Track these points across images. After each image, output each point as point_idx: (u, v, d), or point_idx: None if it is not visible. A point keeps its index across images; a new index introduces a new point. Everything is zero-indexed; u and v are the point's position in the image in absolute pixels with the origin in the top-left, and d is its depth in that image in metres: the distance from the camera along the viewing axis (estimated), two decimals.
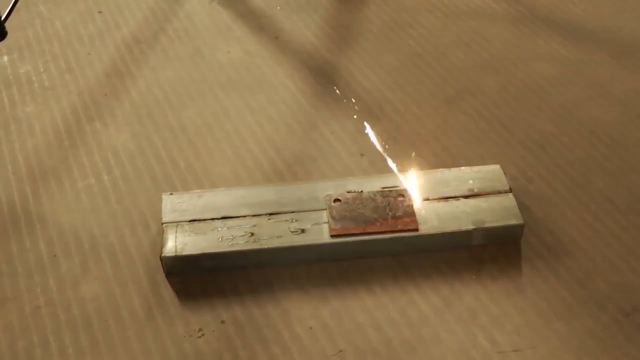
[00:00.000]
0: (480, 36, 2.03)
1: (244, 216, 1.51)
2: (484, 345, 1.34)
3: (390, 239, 1.47)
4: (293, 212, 1.51)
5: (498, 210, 1.50)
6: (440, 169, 1.60)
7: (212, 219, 1.51)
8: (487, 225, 1.47)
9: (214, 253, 1.45)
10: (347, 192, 1.54)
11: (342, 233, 1.46)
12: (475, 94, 1.85)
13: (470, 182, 1.56)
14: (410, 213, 1.49)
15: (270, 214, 1.51)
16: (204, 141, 1.75)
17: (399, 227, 1.47)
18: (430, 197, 1.53)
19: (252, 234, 1.47)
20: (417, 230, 1.47)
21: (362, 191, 1.54)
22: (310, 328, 1.38)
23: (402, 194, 1.53)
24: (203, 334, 1.38)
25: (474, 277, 1.45)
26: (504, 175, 1.57)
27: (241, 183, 1.65)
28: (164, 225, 1.50)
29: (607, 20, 2.06)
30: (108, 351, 1.36)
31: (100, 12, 2.18)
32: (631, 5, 2.11)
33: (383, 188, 1.55)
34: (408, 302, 1.41)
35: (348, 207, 1.51)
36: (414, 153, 1.70)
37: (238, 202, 1.53)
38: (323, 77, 1.92)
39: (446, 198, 1.53)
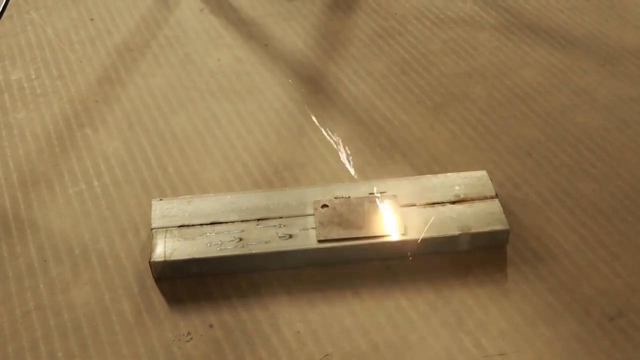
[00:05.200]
0: (468, 44, 2.05)
1: (233, 222, 1.52)
2: (470, 349, 1.36)
3: (377, 244, 1.48)
4: (281, 217, 1.52)
5: (484, 216, 1.51)
6: (427, 175, 1.62)
7: (201, 224, 1.52)
8: (473, 230, 1.49)
9: (203, 258, 1.46)
10: (335, 197, 1.56)
11: (329, 238, 1.48)
12: (462, 101, 1.87)
13: (457, 188, 1.57)
14: (398, 219, 1.50)
15: (258, 220, 1.52)
16: (194, 147, 1.77)
17: (386, 233, 1.48)
18: (417, 203, 1.54)
19: (241, 239, 1.48)
20: (404, 235, 1.48)
21: (349, 197, 1.55)
22: (298, 332, 1.39)
23: (389, 199, 1.54)
24: (191, 338, 1.39)
25: (460, 282, 1.46)
26: (490, 181, 1.58)
27: (230, 189, 1.66)
28: (154, 230, 1.51)
29: (593, 27, 2.08)
30: (97, 355, 1.37)
31: (92, 19, 2.20)
32: (617, 13, 2.13)
33: (370, 194, 1.56)
34: (395, 306, 1.43)
35: (335, 212, 1.52)
36: (401, 159, 1.71)
37: (227, 208, 1.55)
38: (312, 84, 1.94)
39: (433, 204, 1.54)
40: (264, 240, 1.48)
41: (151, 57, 2.05)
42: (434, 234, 1.49)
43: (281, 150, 1.75)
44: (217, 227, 1.51)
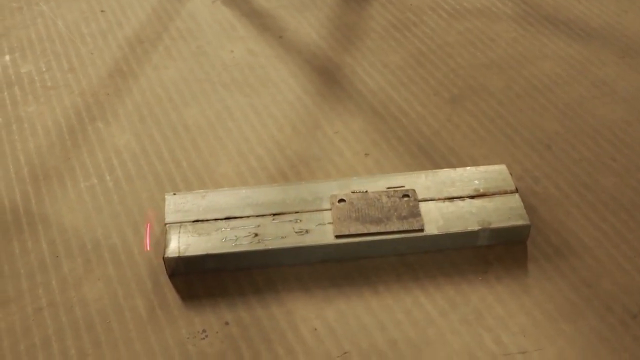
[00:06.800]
0: (485, 35, 2.02)
1: (248, 216, 1.50)
2: (490, 346, 1.33)
3: (395, 239, 1.45)
4: (297, 212, 1.50)
5: (504, 211, 1.49)
6: (446, 169, 1.59)
7: (216, 219, 1.50)
8: (493, 225, 1.46)
9: (218, 254, 1.44)
10: (352, 192, 1.53)
11: (346, 233, 1.45)
12: (480, 93, 1.84)
13: (476, 182, 1.54)
14: (416, 213, 1.48)
15: (274, 215, 1.50)
16: (207, 141, 1.74)
17: (404, 228, 1.46)
18: (436, 197, 1.52)
19: (256, 235, 1.46)
20: (422, 230, 1.46)
21: (366, 191, 1.53)
22: (315, 329, 1.37)
23: (407, 194, 1.52)
24: (207, 335, 1.37)
25: (479, 277, 1.44)
26: (510, 175, 1.56)
27: (244, 183, 1.64)
28: (167, 225, 1.49)
29: (612, 19, 2.05)
30: (111, 352, 1.35)
31: (103, 10, 2.18)
32: (636, 4, 2.10)
33: (388, 188, 1.54)
34: (413, 303, 1.40)
35: (353, 207, 1.50)
36: (418, 152, 1.69)
37: (242, 203, 1.52)
38: (327, 77, 1.91)
39: (452, 198, 1.52)
40: (280, 235, 1.46)
41: (163, 49, 2.03)
42: (453, 229, 1.46)
43: (296, 144, 1.73)
44: (232, 222, 1.49)
